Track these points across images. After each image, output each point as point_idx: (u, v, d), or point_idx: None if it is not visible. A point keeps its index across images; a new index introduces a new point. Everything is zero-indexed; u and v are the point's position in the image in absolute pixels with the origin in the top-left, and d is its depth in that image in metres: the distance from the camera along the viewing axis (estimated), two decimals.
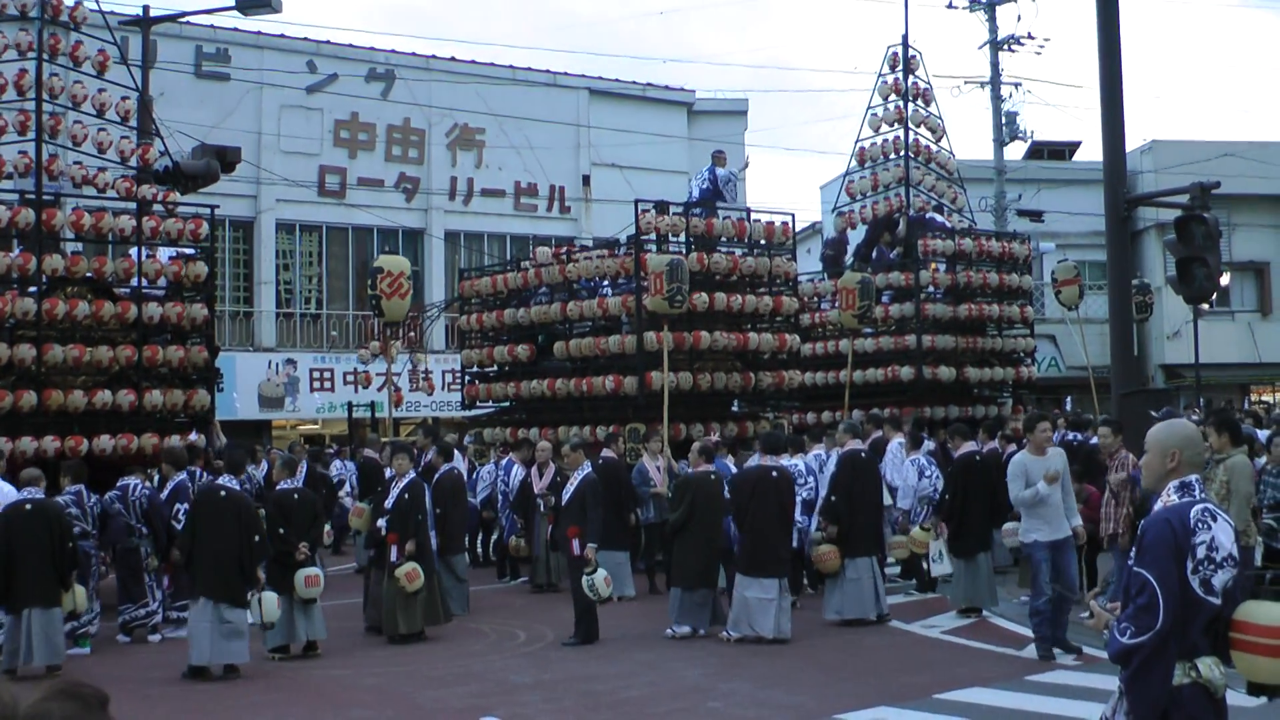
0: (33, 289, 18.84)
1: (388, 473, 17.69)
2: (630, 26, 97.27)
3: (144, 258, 19.91)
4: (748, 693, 13.05)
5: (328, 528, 20.08)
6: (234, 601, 14.43)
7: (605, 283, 24.03)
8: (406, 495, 16.51)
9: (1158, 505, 6.11)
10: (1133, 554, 6.06)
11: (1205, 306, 26.84)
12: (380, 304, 20.85)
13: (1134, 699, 5.85)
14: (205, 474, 18.55)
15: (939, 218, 28.40)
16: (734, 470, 18.23)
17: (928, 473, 18.99)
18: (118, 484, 17.26)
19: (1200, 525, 5.84)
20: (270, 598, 14.88)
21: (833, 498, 16.87)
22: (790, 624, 15.68)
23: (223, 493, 14.84)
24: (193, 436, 20.00)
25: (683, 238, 23.40)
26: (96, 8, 20.63)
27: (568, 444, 18.51)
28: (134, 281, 19.85)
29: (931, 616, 17.27)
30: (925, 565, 18.67)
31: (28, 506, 14.77)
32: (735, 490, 16.27)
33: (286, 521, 15.62)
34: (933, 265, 27.03)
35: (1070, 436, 20.41)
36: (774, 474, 15.90)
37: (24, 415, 18.39)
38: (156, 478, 18.76)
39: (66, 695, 2.00)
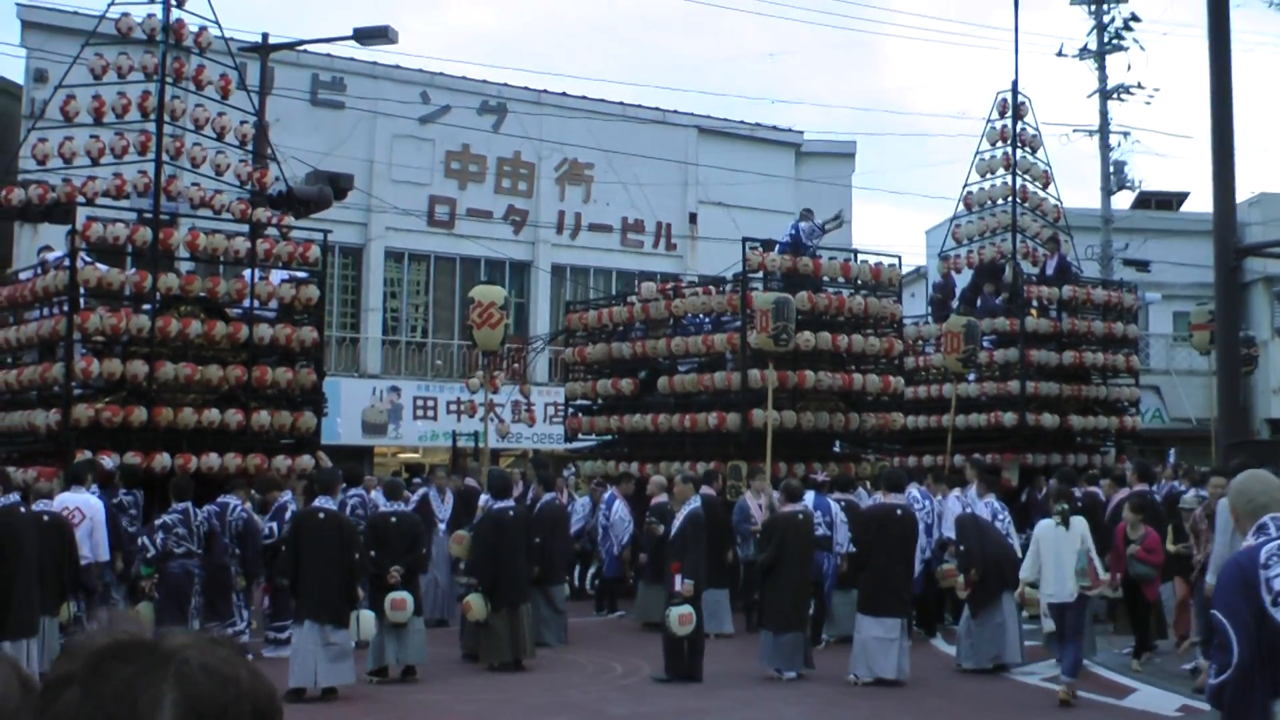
0: (147, 306, 19.16)
1: (482, 500, 17.82)
2: (738, 67, 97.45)
3: (257, 279, 20.21)
4: None
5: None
6: (338, 622, 14.56)
7: (709, 319, 24.09)
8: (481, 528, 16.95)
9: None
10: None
11: None
12: (472, 334, 21.02)
13: None
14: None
15: (1075, 264, 28.43)
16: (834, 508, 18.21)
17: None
18: (216, 500, 17.48)
19: (1272, 560, 5.78)
20: (368, 616, 15.02)
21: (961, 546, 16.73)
22: (909, 665, 15.54)
23: (321, 514, 15.00)
24: (306, 459, 20.17)
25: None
26: (220, 34, 20.98)
27: (678, 477, 18.44)
28: (246, 303, 20.14)
29: (1031, 664, 17.01)
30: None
31: (45, 518, 14.70)
32: (860, 528, 16.29)
33: (380, 545, 15.76)
34: (1035, 311, 26.92)
35: (1179, 489, 20.06)
36: (899, 512, 15.92)
37: (133, 431, 18.68)
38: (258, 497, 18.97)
39: (222, 644, 1.93)
